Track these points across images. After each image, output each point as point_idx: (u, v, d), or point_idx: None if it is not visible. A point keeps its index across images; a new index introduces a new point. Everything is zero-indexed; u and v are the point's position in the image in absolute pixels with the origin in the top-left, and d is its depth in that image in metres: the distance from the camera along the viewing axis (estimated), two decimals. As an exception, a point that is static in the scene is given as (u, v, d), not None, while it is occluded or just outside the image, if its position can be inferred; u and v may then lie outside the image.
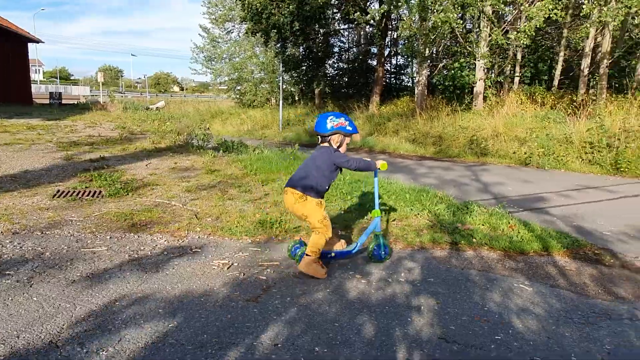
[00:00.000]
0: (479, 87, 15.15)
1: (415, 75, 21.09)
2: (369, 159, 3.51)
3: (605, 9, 11.53)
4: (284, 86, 27.57)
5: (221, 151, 9.21)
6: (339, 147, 3.40)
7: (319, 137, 3.41)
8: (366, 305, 2.90)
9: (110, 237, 3.98)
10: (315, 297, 2.98)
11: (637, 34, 12.25)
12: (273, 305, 2.82)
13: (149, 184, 6.02)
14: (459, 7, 13.57)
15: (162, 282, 3.12)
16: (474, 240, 4.29)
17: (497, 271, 3.63)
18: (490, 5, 13.25)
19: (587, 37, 14.76)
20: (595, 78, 14.57)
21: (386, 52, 23.45)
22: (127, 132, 11.35)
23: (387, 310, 2.84)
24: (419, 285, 3.27)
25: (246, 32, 22.26)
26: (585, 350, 2.43)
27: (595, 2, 11.88)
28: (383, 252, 3.66)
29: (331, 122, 3.33)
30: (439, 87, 17.59)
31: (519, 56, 18.26)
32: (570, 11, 15.72)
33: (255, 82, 30.39)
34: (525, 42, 12.80)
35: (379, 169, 3.49)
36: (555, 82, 16.95)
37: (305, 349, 2.35)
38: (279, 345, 2.37)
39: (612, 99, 12.93)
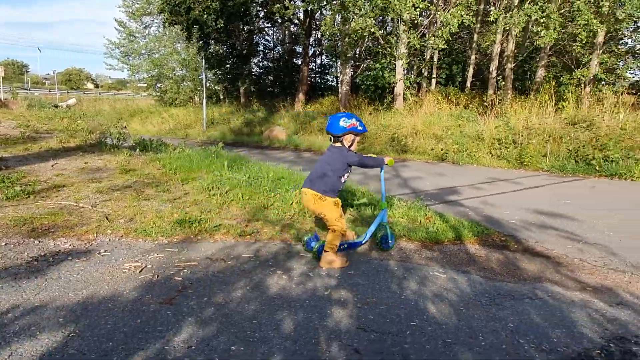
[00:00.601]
0: (399, 87, 15.74)
1: (339, 74, 21.48)
2: (377, 156, 3.74)
3: (508, 15, 12.48)
4: (208, 84, 26.84)
5: (138, 150, 8.72)
6: (349, 146, 3.57)
7: (332, 137, 3.57)
8: (286, 300, 2.86)
9: (6, 244, 3.59)
10: (234, 296, 2.89)
11: (536, 41, 13.39)
12: (188, 307, 2.69)
13: (54, 186, 5.53)
14: (379, 11, 14.01)
15: (64, 289, 2.86)
16: (394, 232, 4.42)
17: (415, 261, 3.76)
18: (407, 13, 13.84)
19: (495, 43, 15.91)
20: (502, 80, 15.74)
21: (311, 52, 23.64)
22: (30, 131, 10.38)
23: (308, 304, 2.82)
24: (339, 278, 3.29)
25: (164, 23, 21.34)
26: (491, 330, 2.58)
27: (501, 9, 12.82)
28: (390, 241, 3.93)
29: (344, 123, 3.49)
30: (362, 86, 18.05)
31: (435, 59, 19.25)
32: (480, 17, 16.86)
33: (177, 80, 29.24)
34: (441, 46, 13.50)
35: (386, 164, 3.71)
36: (468, 84, 18.08)
37: (221, 349, 2.26)
38: (193, 347, 2.26)
39: (517, 99, 14.04)
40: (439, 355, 2.30)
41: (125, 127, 12.92)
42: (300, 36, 21.65)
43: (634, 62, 13.21)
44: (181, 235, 4.05)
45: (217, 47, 23.14)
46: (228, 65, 24.10)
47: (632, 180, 7.38)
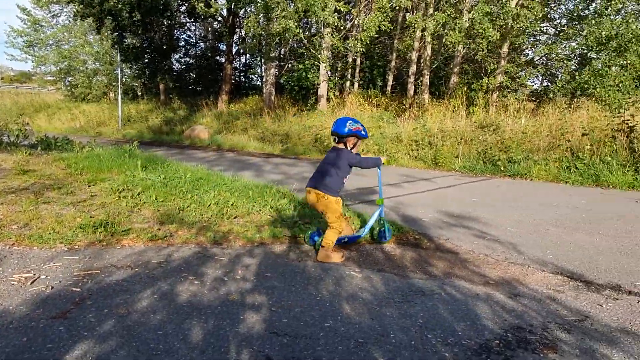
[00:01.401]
0: (322, 88, 15.92)
1: (263, 74, 21.28)
2: (375, 156, 4.08)
3: (421, 19, 13.14)
4: (124, 79, 25.34)
5: (39, 148, 7.98)
6: (351, 148, 3.79)
7: (336, 137, 3.80)
8: (197, 308, 2.73)
9: None
10: (139, 306, 2.70)
11: (450, 47, 14.21)
12: (85, 321, 2.47)
13: None
14: (302, 13, 14.07)
15: None
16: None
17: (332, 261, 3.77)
18: (330, 17, 14.05)
19: (413, 48, 16.64)
20: (420, 84, 16.51)
21: (235, 50, 23.19)
22: None
23: (220, 310, 2.71)
24: (255, 281, 3.21)
25: (75, 16, 19.81)
26: (402, 327, 2.64)
27: (418, 16, 13.44)
28: (387, 234, 4.21)
29: (350, 126, 3.72)
30: (287, 87, 18.02)
31: (358, 62, 19.73)
32: (399, 24, 17.54)
33: (89, 74, 27.27)
34: (361, 49, 13.85)
35: (383, 164, 4.03)
36: (389, 87, 18.75)
37: (120, 365, 2.09)
38: (88, 365, 2.07)
39: (433, 103, 14.78)
40: (351, 355, 2.30)
41: (27, 123, 11.80)
42: (223, 33, 21.13)
43: (533, 72, 14.46)
44: (84, 242, 3.73)
45: (134, 41, 21.91)
46: (146, 60, 22.91)
47: (531, 179, 8.05)
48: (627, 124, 8.10)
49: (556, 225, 5.00)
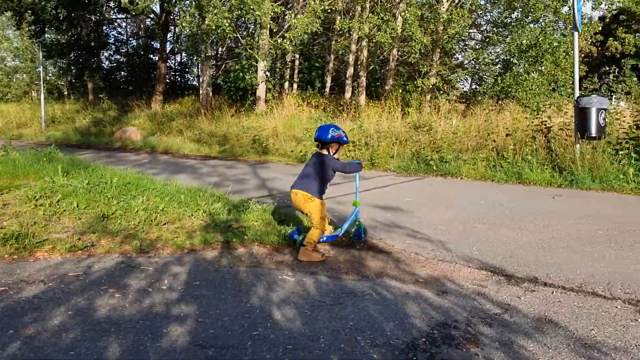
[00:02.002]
0: (260, 89, 15.76)
1: (199, 74, 20.73)
2: (357, 161, 4.31)
3: (356, 21, 13.40)
4: (49, 77, 23.70)
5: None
6: (334, 154, 4.02)
7: (319, 143, 4.03)
8: (116, 323, 2.56)
9: None
10: (50, 325, 2.49)
11: (385, 50, 14.58)
12: (-15, 344, 2.24)
13: None
14: (238, 11, 13.85)
15: None
16: (246, 237, 4.33)
17: (265, 266, 3.71)
18: (264, 16, 13.94)
19: (350, 51, 16.91)
20: (357, 86, 16.80)
21: (169, 48, 22.41)
22: None
23: (141, 324, 2.56)
24: (182, 290, 3.08)
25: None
26: (332, 330, 2.63)
27: (351, 19, 13.68)
28: (363, 234, 4.40)
29: (332, 132, 3.96)
30: (224, 87, 17.67)
31: (296, 63, 19.76)
32: (335, 25, 17.75)
33: (8, 72, 25.24)
34: (290, 50, 13.87)
35: (363, 168, 4.30)
36: (327, 88, 18.93)
37: (23, 393, 1.91)
38: (-16, 396, 1.87)
39: (370, 104, 15.10)
40: (279, 363, 2.26)
41: None
42: (155, 31, 20.34)
43: (462, 74, 15.19)
44: (-10, 256, 3.41)
45: (59, 36, 20.54)
46: (72, 57, 21.57)
47: (461, 178, 8.42)
48: (544, 125, 8.68)
49: (482, 222, 5.24)
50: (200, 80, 18.78)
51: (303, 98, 16.89)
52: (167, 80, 22.05)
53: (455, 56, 17.51)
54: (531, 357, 2.38)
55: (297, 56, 19.43)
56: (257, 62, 15.28)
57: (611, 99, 11.44)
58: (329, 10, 14.78)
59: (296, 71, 19.71)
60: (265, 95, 16.05)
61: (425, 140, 9.90)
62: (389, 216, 5.59)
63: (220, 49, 21.31)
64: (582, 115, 7.50)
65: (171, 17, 20.79)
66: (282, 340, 2.48)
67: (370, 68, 16.83)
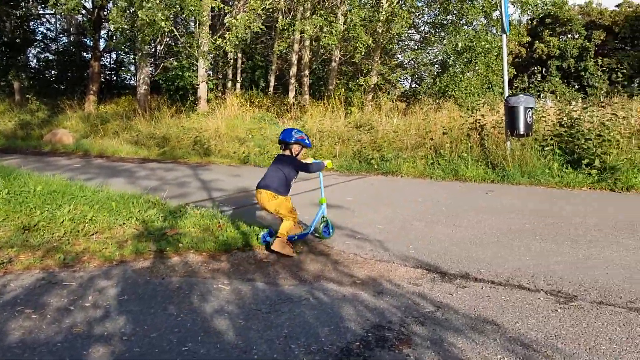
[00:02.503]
0: (201, 89, 15.36)
1: (136, 73, 19.89)
2: (319, 160, 4.48)
3: (299, 22, 13.39)
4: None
5: None
6: (296, 155, 4.23)
7: (283, 145, 4.25)
8: (31, 347, 2.37)
9: None
10: (-48, 354, 2.26)
11: (328, 50, 14.67)
12: None
13: None
14: (176, 8, 13.40)
15: None
16: (181, 245, 4.17)
17: (200, 274, 3.59)
18: (202, 13, 13.59)
19: (293, 50, 16.86)
20: (301, 85, 16.79)
21: (103, 45, 21.33)
22: None
23: (60, 347, 2.39)
24: (108, 307, 2.91)
25: None
26: (267, 339, 2.58)
27: (290, 19, 13.65)
28: (331, 230, 4.64)
29: (295, 135, 4.23)
30: (163, 86, 17.06)
31: (239, 62, 19.43)
32: (278, 25, 17.62)
33: None
34: (230, 49, 13.64)
35: (326, 166, 4.42)
36: (271, 88, 18.77)
37: None
38: None
39: (313, 104, 15.13)
40: (208, 379, 2.17)
41: None
42: (87, 27, 19.28)
43: (402, 73, 15.59)
44: None
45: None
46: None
47: (401, 176, 8.62)
48: (478, 123, 9.07)
49: (420, 220, 5.37)
50: (138, 79, 18.00)
51: (246, 98, 16.65)
52: (102, 80, 20.97)
53: (395, 56, 17.94)
54: (460, 354, 2.45)
55: (240, 55, 19.12)
56: (197, 61, 14.87)
57: (539, 98, 12.15)
58: (271, 10, 14.65)
59: (239, 70, 19.40)
60: (207, 95, 15.66)
61: (366, 139, 10.04)
62: (330, 216, 5.59)
63: (158, 46, 20.57)
64: (511, 113, 7.89)
65: (104, 12, 19.78)
66: (213, 355, 2.39)
67: (313, 68, 16.86)
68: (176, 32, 14.18)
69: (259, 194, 4.15)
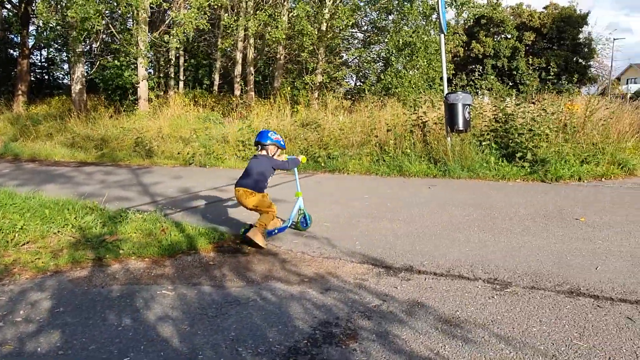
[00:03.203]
0: (142, 88, 14.80)
1: (70, 71, 18.84)
2: (294, 157, 4.74)
3: (243, 19, 13.23)
4: None
5: None
6: (272, 155, 4.45)
7: (259, 145, 4.46)
8: (-48, 369, 2.20)
9: None
10: None
11: (273, 47, 14.58)
12: None
13: None
14: (109, 3, 12.81)
15: None
16: (122, 251, 4.01)
17: (143, 281, 3.47)
18: (142, 9, 13.08)
19: (237, 48, 16.63)
20: (246, 83, 16.59)
21: (32, 42, 20.00)
22: None
23: (-14, 367, 2.23)
24: (42, 321, 2.75)
25: None
26: (213, 344, 2.53)
27: (235, 15, 13.46)
28: (308, 222, 4.87)
29: (272, 136, 4.45)
30: (100, 85, 16.29)
31: (181, 60, 18.90)
32: (222, 22, 17.30)
33: None
34: (176, 46, 13.26)
35: (300, 162, 4.71)
36: (215, 87, 18.41)
37: None
38: None
39: (260, 102, 15.00)
40: (152, 389, 2.11)
41: None
42: (13, 23, 18.02)
43: (347, 71, 15.80)
44: None
45: None
46: None
47: (347, 174, 8.75)
48: (421, 120, 9.36)
49: (366, 216, 5.47)
50: (72, 78, 17.05)
51: (190, 97, 16.23)
52: (32, 79, 19.69)
53: (340, 54, 18.14)
54: (404, 344, 2.53)
55: (182, 53, 18.60)
56: (136, 59, 14.30)
57: (476, 95, 12.72)
58: (215, 6, 14.35)
59: (182, 69, 18.87)
60: (148, 94, 15.11)
61: (313, 137, 10.09)
62: (278, 216, 5.57)
63: (95, 43, 19.59)
64: (450, 110, 8.21)
65: (32, 7, 18.56)
66: (157, 363, 2.33)
67: (258, 66, 16.71)
68: (113, 29, 13.56)
69: (238, 191, 4.32)
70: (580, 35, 37.77)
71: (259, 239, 4.15)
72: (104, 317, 2.82)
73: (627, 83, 48.47)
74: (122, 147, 11.88)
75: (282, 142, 4.56)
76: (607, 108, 9.03)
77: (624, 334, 2.58)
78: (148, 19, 14.51)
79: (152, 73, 17.82)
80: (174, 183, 7.99)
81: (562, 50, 36.46)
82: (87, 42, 17.97)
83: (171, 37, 12.77)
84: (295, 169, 4.84)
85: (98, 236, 4.35)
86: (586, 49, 37.85)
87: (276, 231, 4.55)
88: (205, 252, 4.18)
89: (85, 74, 17.01)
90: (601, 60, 40.66)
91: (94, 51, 19.39)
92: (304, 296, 3.21)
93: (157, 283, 3.43)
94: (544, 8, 38.86)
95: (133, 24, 14.93)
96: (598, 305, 2.94)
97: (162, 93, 16.65)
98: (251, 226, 4.37)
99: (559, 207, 5.62)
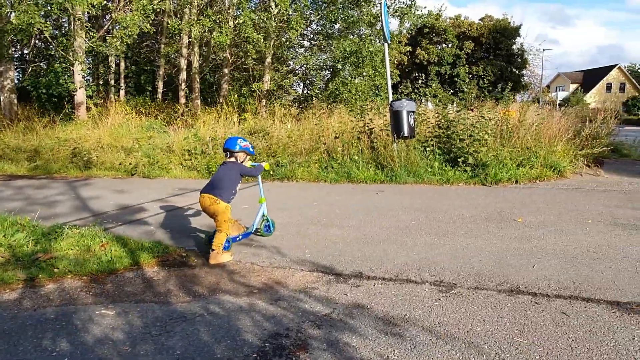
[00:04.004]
0: (79, 95, 14.10)
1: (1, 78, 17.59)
2: (258, 164, 4.73)
3: (187, 22, 12.93)
4: None
5: None
6: (242, 162, 4.48)
7: (228, 152, 4.45)
8: None
9: None
10: None
11: (218, 54, 14.33)
12: None
13: None
14: (47, 7, 12.13)
15: None
16: (57, 270, 3.77)
17: (80, 301, 3.27)
18: (82, 10, 12.49)
19: (181, 55, 16.24)
20: (191, 91, 16.22)
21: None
22: None
23: None
24: (-37, 351, 2.51)
25: None
26: (157, 364, 2.42)
27: (179, 20, 13.14)
28: (272, 228, 4.93)
29: (240, 143, 4.46)
30: (33, 93, 15.34)
31: (122, 67, 18.20)
32: (165, 28, 16.84)
33: None
34: (122, 49, 12.75)
35: (265, 169, 4.80)
36: (159, 94, 17.87)
37: None
38: None
39: (206, 110, 14.70)
40: (89, 418, 1.97)
41: None
42: None
43: (294, 79, 15.84)
44: None
45: None
46: None
47: (296, 181, 8.73)
48: (368, 127, 9.53)
49: (315, 224, 5.47)
50: (2, 85, 15.93)
51: (132, 105, 15.63)
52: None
53: (287, 62, 18.16)
54: (354, 352, 2.53)
55: (123, 59, 17.92)
56: (72, 65, 13.60)
57: (420, 102, 13.14)
58: (158, 10, 13.94)
59: (123, 75, 18.16)
60: (86, 102, 14.40)
61: (261, 145, 9.99)
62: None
63: (26, 49, 18.48)
64: (395, 117, 8.42)
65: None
66: (95, 389, 2.18)
67: (204, 74, 16.40)
68: (46, 34, 12.83)
69: (202, 198, 4.31)
70: (514, 46, 40.18)
71: (223, 259, 4.13)
72: (37, 343, 2.62)
73: (556, 90, 52.03)
74: (58, 159, 11.21)
75: (251, 149, 4.58)
76: (538, 114, 9.60)
77: (560, 328, 2.72)
78: (86, 24, 13.87)
79: (91, 80, 17.02)
80: (115, 195, 7.64)
81: (498, 59, 38.60)
82: (18, 47, 16.92)
83: (116, 39, 12.18)
84: (259, 176, 4.86)
85: (30, 254, 4.06)
86: (519, 59, 40.29)
87: (240, 237, 4.54)
88: (149, 267, 4.00)
89: (16, 82, 15.97)
90: (533, 70, 43.39)
91: (26, 57, 18.28)
92: (253, 308, 3.14)
93: (96, 303, 3.24)
94: (481, 20, 41.02)
95: (70, 29, 14.18)
96: (536, 302, 3.09)
97: (101, 101, 15.91)
98: (214, 234, 4.31)
99: (498, 209, 5.89)
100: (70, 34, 14.08)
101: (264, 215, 4.85)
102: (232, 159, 4.44)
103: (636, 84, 56.36)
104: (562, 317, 2.87)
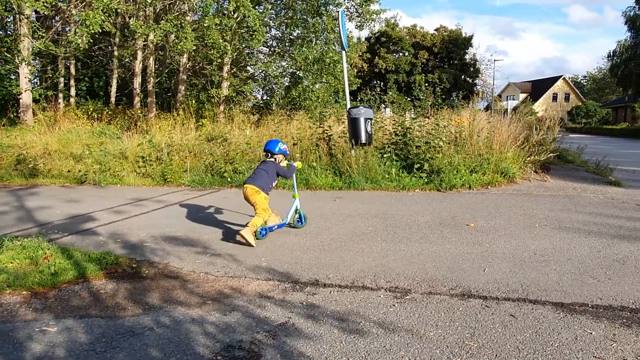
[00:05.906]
0: (25, 99, 13.40)
1: None
2: (292, 163, 5.31)
3: (145, 26, 12.56)
4: None
5: None
6: (279, 162, 5.15)
7: (268, 153, 5.17)
8: None
9: None
10: None
11: (176, 49, 13.92)
12: None
13: None
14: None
15: None
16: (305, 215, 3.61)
17: (19, 318, 3.07)
18: (30, 6, 11.86)
19: (136, 58, 15.77)
20: (146, 96, 15.77)
21: None
22: None
23: None
24: None
25: None
26: (101, 383, 2.30)
27: (139, 22, 12.75)
28: (304, 221, 5.48)
29: (280, 146, 5.18)
30: (-27, 97, 14.47)
31: (73, 69, 17.48)
32: (119, 30, 16.32)
33: None
34: (83, 46, 12.18)
35: (298, 168, 5.54)
36: (112, 99, 17.27)
37: None
38: None
39: (161, 116, 14.33)
40: None
41: None
42: None
43: (254, 85, 15.72)
44: None
45: None
46: None
47: (255, 188, 8.64)
48: (326, 134, 9.57)
49: (271, 231, 5.41)
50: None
51: (83, 110, 15.03)
52: None
53: (246, 68, 18.00)
54: (309, 362, 2.50)
55: (74, 62, 17.19)
56: (17, 67, 12.93)
57: (378, 109, 13.34)
58: (116, 10, 13.44)
59: (73, 79, 17.42)
60: (32, 106, 13.71)
61: (219, 152, 9.83)
62: (180, 235, 5.31)
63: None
64: (353, 124, 8.50)
65: None
66: (31, 413, 2.04)
67: (159, 78, 15.99)
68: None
69: (245, 188, 4.91)
70: (467, 56, 41.70)
71: (250, 239, 4.59)
72: (-34, 365, 2.44)
73: (507, 99, 54.34)
74: (1, 166, 10.59)
75: (287, 152, 5.28)
76: (489, 122, 9.97)
77: (508, 330, 2.81)
78: (35, 24, 13.23)
79: (39, 83, 16.23)
80: (62, 204, 7.28)
81: (452, 68, 39.90)
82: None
83: (78, 36, 11.57)
84: (294, 175, 5.39)
85: (21, 267, 3.79)
86: (472, 68, 41.84)
87: (275, 227, 5.13)
88: (97, 279, 3.82)
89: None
90: (485, 79, 45.15)
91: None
92: (206, 319, 3.06)
93: (37, 319, 3.05)
94: (435, 30, 42.33)
95: (19, 26, 13.44)
96: (486, 306, 3.17)
97: (48, 105, 15.19)
98: (270, 228, 5.02)
99: (452, 215, 6.04)
100: (16, 33, 13.37)
101: (297, 209, 5.39)
102: (272, 159, 5.14)
103: (579, 94, 59.83)
104: (510, 319, 2.96)
